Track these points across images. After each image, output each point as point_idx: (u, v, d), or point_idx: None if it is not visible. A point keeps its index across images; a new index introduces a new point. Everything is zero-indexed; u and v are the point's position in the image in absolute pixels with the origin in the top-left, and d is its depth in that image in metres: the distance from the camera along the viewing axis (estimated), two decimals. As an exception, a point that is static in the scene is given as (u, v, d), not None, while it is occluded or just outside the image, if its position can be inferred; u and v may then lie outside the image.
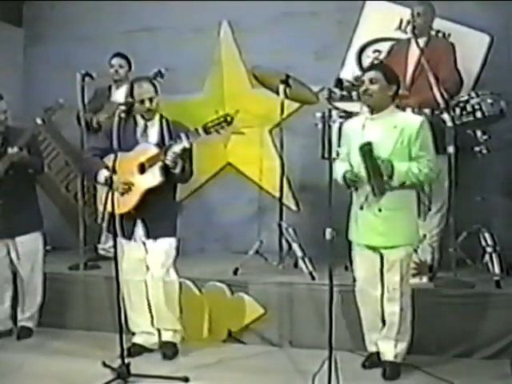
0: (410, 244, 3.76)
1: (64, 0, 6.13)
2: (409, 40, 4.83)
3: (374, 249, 3.75)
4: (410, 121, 3.69)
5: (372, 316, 3.85)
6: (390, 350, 3.76)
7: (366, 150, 3.55)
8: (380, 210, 3.64)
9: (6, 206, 4.42)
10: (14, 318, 4.67)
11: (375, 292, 3.79)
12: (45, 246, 4.74)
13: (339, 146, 3.90)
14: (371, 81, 3.66)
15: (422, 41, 4.64)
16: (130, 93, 4.11)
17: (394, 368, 3.75)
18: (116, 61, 5.35)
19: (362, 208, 3.70)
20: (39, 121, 4.42)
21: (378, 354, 3.85)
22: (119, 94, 5.28)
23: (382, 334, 3.80)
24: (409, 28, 4.91)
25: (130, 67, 5.39)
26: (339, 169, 3.74)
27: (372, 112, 3.71)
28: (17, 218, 4.44)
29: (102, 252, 5.37)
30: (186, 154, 4.03)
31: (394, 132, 3.61)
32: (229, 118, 3.89)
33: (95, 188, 5.20)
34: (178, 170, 3.97)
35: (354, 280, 3.92)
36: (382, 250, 3.72)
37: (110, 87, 5.40)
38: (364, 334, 3.94)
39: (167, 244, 4.14)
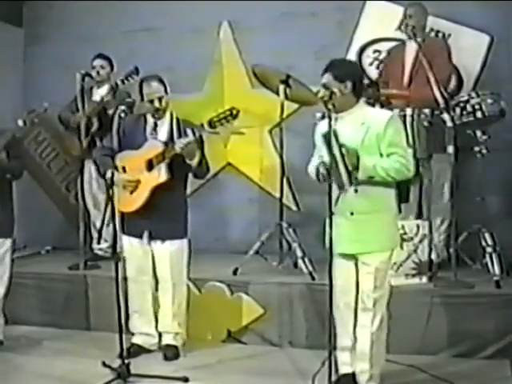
0: (386, 250, 3.44)
1: (64, 0, 6.14)
2: (404, 42, 4.85)
3: (347, 257, 3.47)
4: (378, 117, 3.43)
5: (346, 332, 3.51)
6: (365, 371, 3.45)
7: (329, 138, 3.30)
8: (352, 214, 3.39)
9: None
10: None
11: (350, 304, 3.48)
12: (13, 253, 4.47)
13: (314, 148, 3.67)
14: (324, 86, 3.47)
15: (416, 42, 4.65)
16: (140, 91, 4.11)
17: None
18: (97, 62, 5.36)
19: (333, 213, 3.34)
20: (20, 122, 4.23)
21: (349, 376, 3.52)
22: (99, 94, 5.31)
23: (356, 353, 3.47)
24: (402, 28, 4.91)
25: (111, 68, 5.41)
26: (313, 162, 3.56)
27: (338, 112, 3.46)
28: None
29: (99, 252, 5.37)
30: (201, 149, 4.00)
31: (361, 129, 3.39)
32: (234, 112, 3.89)
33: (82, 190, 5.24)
34: (195, 162, 3.93)
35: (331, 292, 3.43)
36: (358, 257, 3.44)
37: (91, 88, 5.40)
38: (337, 352, 3.54)
39: (177, 245, 4.11)
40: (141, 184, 4.01)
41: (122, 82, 4.97)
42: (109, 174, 3.94)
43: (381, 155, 3.37)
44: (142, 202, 4.00)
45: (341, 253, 3.45)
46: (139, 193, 4.01)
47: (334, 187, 3.38)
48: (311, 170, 3.56)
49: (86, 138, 5.06)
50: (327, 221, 3.43)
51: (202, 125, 3.90)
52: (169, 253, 4.09)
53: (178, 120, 4.13)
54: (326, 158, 3.36)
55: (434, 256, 4.42)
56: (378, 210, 3.40)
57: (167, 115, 4.14)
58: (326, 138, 3.31)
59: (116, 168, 4.00)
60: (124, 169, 4.05)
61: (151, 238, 4.09)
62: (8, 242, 4.36)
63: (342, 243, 3.41)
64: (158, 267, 4.13)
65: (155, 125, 4.11)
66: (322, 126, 3.53)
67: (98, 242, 5.43)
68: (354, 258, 3.46)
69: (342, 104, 3.44)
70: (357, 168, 3.28)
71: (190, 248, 4.23)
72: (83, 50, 5.81)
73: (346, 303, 3.49)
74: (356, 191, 3.34)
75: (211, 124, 3.87)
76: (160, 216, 4.00)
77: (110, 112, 5.04)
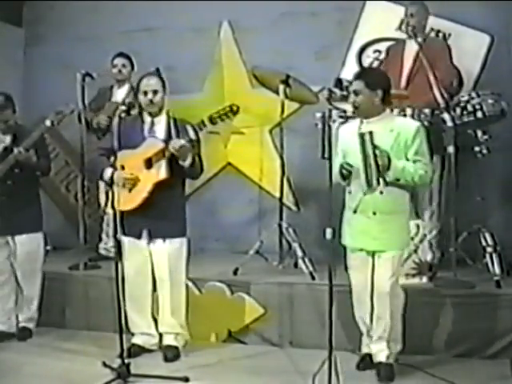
0: (402, 248, 3.76)
1: (64, 0, 6.14)
2: (404, 41, 4.84)
3: (367, 252, 3.72)
4: (407, 125, 3.68)
5: (364, 318, 3.82)
6: (381, 351, 3.73)
7: (366, 138, 3.52)
8: (374, 214, 3.62)
9: (7, 204, 4.40)
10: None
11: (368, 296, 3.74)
12: (45, 247, 4.72)
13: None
14: (355, 92, 3.66)
15: (417, 41, 4.65)
16: (137, 86, 4.12)
17: (387, 369, 3.71)
18: (119, 60, 5.34)
19: (355, 212, 3.67)
20: (48, 123, 4.35)
21: (370, 355, 3.83)
22: (120, 94, 5.29)
23: (373, 336, 3.76)
24: (403, 28, 4.91)
25: (132, 67, 5.39)
26: (335, 167, 3.68)
27: (367, 118, 3.69)
28: (17, 217, 4.42)
29: (103, 252, 5.35)
30: (196, 149, 3.99)
31: (390, 135, 3.61)
32: (234, 108, 3.92)
33: (98, 188, 5.24)
34: (187, 163, 3.94)
35: (350, 285, 3.87)
36: (376, 253, 3.68)
37: (111, 87, 5.40)
38: (361, 335, 3.91)
39: (176, 244, 4.10)
40: (140, 182, 4.01)
41: None
42: (108, 173, 3.95)
43: (406, 160, 3.59)
44: (140, 199, 3.99)
45: (360, 248, 3.72)
46: (138, 191, 4.00)
47: (355, 188, 3.64)
48: (336, 173, 3.67)
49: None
50: (345, 219, 3.75)
51: (203, 121, 3.90)
52: (168, 252, 4.08)
53: (174, 119, 4.13)
54: (352, 160, 3.60)
55: (429, 257, 4.42)
56: (397, 211, 3.67)
57: (163, 114, 4.14)
58: (362, 137, 3.53)
59: (114, 167, 4.00)
60: (123, 167, 4.04)
61: (150, 237, 4.08)
62: (40, 236, 4.60)
63: (364, 240, 3.68)
64: (156, 267, 4.12)
65: (152, 123, 4.12)
66: (346, 129, 3.78)
67: (100, 241, 5.40)
68: (371, 254, 3.69)
69: (370, 111, 3.66)
70: (388, 169, 3.50)
71: (190, 247, 4.23)
72: (83, 50, 5.82)
73: (366, 298, 3.73)
74: (382, 193, 3.58)
75: (212, 120, 3.88)
76: (159, 214, 3.99)
77: (133, 113, 4.99)
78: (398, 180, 3.57)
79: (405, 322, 3.79)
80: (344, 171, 3.64)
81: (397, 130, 3.62)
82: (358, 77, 3.71)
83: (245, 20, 5.71)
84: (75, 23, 6.10)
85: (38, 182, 4.66)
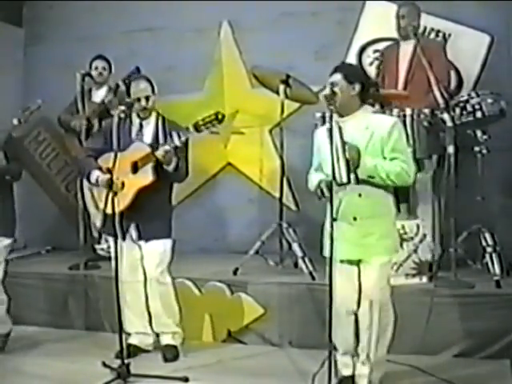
0: (389, 254, 3.52)
1: (64, 0, 6.14)
2: (398, 42, 4.84)
3: (350, 262, 3.48)
4: (382, 122, 3.47)
5: (347, 336, 3.52)
6: (364, 376, 3.49)
7: (335, 131, 3.32)
8: (355, 219, 3.41)
9: None
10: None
11: (352, 309, 3.48)
12: (10, 253, 4.41)
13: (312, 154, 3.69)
14: (331, 84, 3.48)
15: (411, 42, 4.64)
16: (127, 91, 4.13)
17: None
18: (100, 63, 5.35)
19: (335, 219, 3.32)
20: (15, 121, 4.24)
21: (350, 378, 3.56)
22: (99, 95, 5.30)
23: (359, 356, 3.50)
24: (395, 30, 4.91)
25: (110, 70, 5.40)
26: (314, 179, 3.53)
27: (342, 116, 3.48)
28: None
29: (101, 252, 5.36)
30: (181, 153, 4.01)
31: (365, 133, 3.43)
32: (220, 116, 3.86)
33: (81, 188, 5.23)
34: (171, 168, 3.96)
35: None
36: (361, 264, 3.45)
37: (90, 89, 5.39)
38: (337, 355, 3.56)
39: (161, 246, 4.11)
40: (125, 186, 4.00)
41: (124, 82, 4.95)
42: (97, 174, 3.94)
43: (384, 158, 3.40)
44: (126, 203, 3.99)
45: (344, 259, 3.47)
46: (124, 194, 3.99)
47: (335, 192, 3.36)
48: (312, 185, 3.54)
49: (86, 140, 5.05)
50: (326, 227, 3.46)
51: (188, 128, 3.89)
52: (153, 252, 4.09)
53: (163, 120, 4.14)
54: (330, 175, 3.34)
55: (429, 256, 4.41)
56: (379, 214, 3.45)
57: (153, 116, 4.15)
58: (329, 132, 3.31)
59: (100, 169, 4.00)
60: (109, 170, 4.02)
61: (139, 237, 4.09)
62: (6, 242, 4.26)
63: (345, 249, 3.43)
64: (145, 267, 4.12)
65: (141, 126, 4.13)
66: (322, 131, 3.56)
67: (99, 242, 5.43)
68: (356, 263, 3.47)
69: (346, 106, 3.47)
70: (357, 164, 3.31)
71: (174, 249, 4.19)
72: (83, 50, 5.80)
73: (347, 310, 3.49)
74: (360, 195, 3.39)
75: (197, 128, 3.87)
76: (145, 217, 4.02)
77: (113, 112, 5.02)
78: (372, 178, 3.35)
79: (398, 322, 3.66)
80: (324, 190, 3.38)
81: (372, 128, 3.41)
82: (335, 70, 3.54)
83: (245, 20, 5.71)
84: (75, 23, 6.11)
85: (10, 187, 4.33)
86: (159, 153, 3.89)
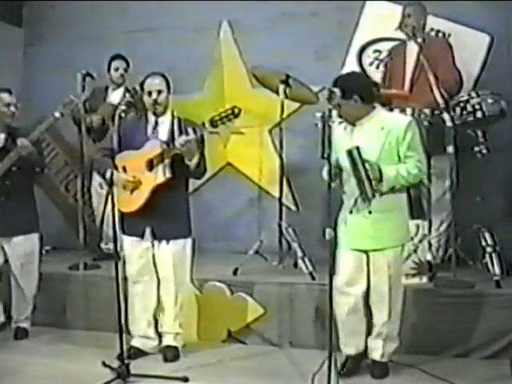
0: (399, 245, 3.71)
1: (64, 0, 6.14)
2: (405, 42, 4.84)
3: (363, 251, 3.69)
4: (397, 121, 3.64)
5: (352, 317, 3.73)
6: (377, 348, 3.72)
7: (354, 155, 3.51)
8: (370, 213, 3.60)
9: (4, 204, 4.34)
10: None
11: (355, 291, 3.69)
12: (41, 247, 4.68)
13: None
14: (338, 105, 3.58)
15: (417, 41, 4.64)
16: (141, 86, 4.11)
17: (381, 367, 3.73)
18: (120, 64, 5.34)
19: (351, 212, 3.65)
20: (57, 114, 4.31)
21: (355, 357, 3.78)
22: (116, 96, 5.28)
23: (372, 334, 3.74)
24: (403, 28, 4.90)
25: (127, 71, 5.39)
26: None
27: (353, 124, 3.66)
28: (14, 218, 4.36)
29: (105, 250, 5.33)
30: (201, 149, 3.98)
31: (381, 133, 3.58)
32: (236, 111, 3.85)
33: (89, 190, 5.23)
34: (194, 162, 3.91)
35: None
36: (370, 252, 3.67)
37: (106, 88, 5.38)
38: (339, 335, 3.77)
39: (179, 245, 4.08)
40: (141, 184, 3.99)
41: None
42: (108, 174, 3.94)
43: (398, 157, 3.59)
44: (142, 201, 3.97)
45: (355, 248, 3.67)
46: (140, 192, 3.98)
47: (349, 188, 3.64)
48: (324, 172, 3.63)
49: (100, 141, 5.02)
50: (340, 219, 3.72)
51: (204, 124, 3.88)
52: (172, 253, 4.05)
53: (179, 119, 4.11)
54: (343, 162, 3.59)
55: (429, 257, 4.41)
56: (393, 208, 3.64)
57: (168, 114, 4.11)
58: (351, 155, 3.52)
59: (116, 168, 3.98)
60: (124, 169, 4.03)
61: (154, 237, 4.05)
62: (36, 237, 4.53)
63: (359, 240, 3.65)
64: (160, 267, 4.10)
65: (156, 123, 4.09)
66: (339, 130, 3.71)
67: (106, 242, 5.39)
68: (365, 253, 3.67)
69: (353, 115, 3.65)
70: (380, 180, 3.50)
71: (194, 248, 4.21)
72: (83, 49, 5.82)
73: (351, 294, 3.68)
74: (370, 212, 3.59)
75: (213, 123, 3.85)
76: (162, 216, 3.97)
77: (132, 113, 4.95)
78: (393, 188, 3.57)
79: (402, 322, 3.77)
80: (332, 173, 3.52)
81: (388, 127, 3.58)
82: (334, 83, 3.63)
83: (245, 20, 5.71)
84: (75, 23, 6.11)
85: (34, 181, 4.61)
86: (179, 141, 3.83)
